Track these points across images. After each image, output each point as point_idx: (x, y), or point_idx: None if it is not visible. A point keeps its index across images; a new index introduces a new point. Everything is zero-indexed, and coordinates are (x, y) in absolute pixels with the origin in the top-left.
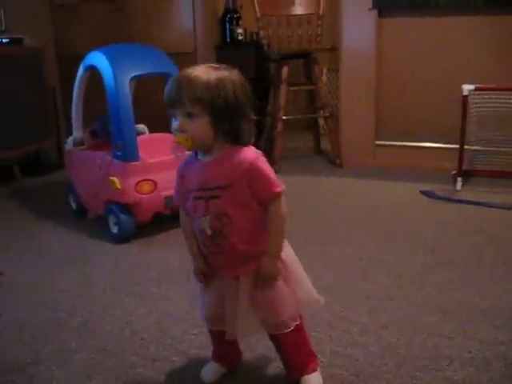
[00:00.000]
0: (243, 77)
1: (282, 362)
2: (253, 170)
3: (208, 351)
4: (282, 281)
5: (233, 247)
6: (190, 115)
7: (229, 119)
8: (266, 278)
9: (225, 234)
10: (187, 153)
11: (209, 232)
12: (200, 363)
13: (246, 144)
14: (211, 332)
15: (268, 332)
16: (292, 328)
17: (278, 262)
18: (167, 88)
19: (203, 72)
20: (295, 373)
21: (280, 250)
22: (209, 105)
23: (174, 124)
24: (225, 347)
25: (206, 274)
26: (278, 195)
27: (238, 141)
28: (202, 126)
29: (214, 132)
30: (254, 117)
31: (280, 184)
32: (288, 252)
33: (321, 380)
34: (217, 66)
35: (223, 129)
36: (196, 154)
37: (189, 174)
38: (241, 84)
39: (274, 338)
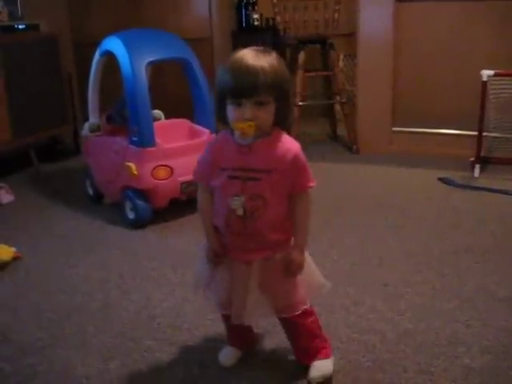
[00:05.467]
0: None
1: (293, 348)
2: (297, 161)
3: (225, 336)
4: None
5: (260, 230)
6: (261, 103)
7: (288, 103)
8: (295, 267)
9: (256, 216)
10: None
11: (240, 212)
12: (217, 348)
13: (289, 126)
14: (224, 316)
15: (278, 316)
16: (300, 311)
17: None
18: (233, 77)
19: (260, 57)
20: (306, 358)
21: (306, 240)
22: (277, 91)
23: (242, 112)
24: (238, 331)
25: (218, 255)
26: (309, 189)
27: (284, 123)
28: (269, 113)
29: (273, 117)
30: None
31: (314, 180)
32: None
33: (331, 367)
34: (260, 48)
35: (278, 112)
36: (231, 132)
37: (224, 152)
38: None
39: (284, 323)
